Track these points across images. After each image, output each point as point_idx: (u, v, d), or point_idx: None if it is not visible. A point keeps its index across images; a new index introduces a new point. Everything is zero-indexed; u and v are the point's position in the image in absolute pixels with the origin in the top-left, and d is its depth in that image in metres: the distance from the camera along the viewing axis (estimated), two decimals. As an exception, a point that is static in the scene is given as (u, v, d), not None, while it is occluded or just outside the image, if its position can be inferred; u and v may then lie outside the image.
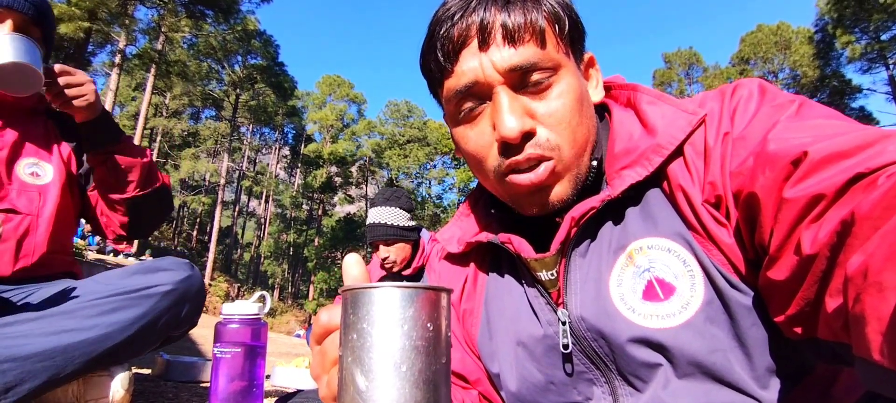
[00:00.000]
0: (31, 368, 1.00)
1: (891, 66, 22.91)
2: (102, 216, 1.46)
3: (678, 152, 0.59)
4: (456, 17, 0.61)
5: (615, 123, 0.66)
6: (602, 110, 0.72)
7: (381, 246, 2.30)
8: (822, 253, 0.41)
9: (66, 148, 1.42)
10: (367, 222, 2.34)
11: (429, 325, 0.41)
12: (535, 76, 0.60)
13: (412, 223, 2.31)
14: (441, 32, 0.62)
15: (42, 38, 1.32)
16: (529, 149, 0.60)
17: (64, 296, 1.14)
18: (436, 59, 0.64)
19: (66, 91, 1.25)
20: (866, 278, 0.32)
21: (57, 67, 1.26)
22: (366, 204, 38.80)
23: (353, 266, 0.48)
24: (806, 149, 0.45)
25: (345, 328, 0.42)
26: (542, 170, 0.60)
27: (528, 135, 0.60)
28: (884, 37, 21.92)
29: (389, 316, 0.40)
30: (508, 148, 0.60)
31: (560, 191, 0.62)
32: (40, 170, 1.35)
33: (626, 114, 0.66)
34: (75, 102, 1.27)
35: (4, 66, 1.12)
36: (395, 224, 2.26)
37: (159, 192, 1.48)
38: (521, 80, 0.60)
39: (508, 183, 0.62)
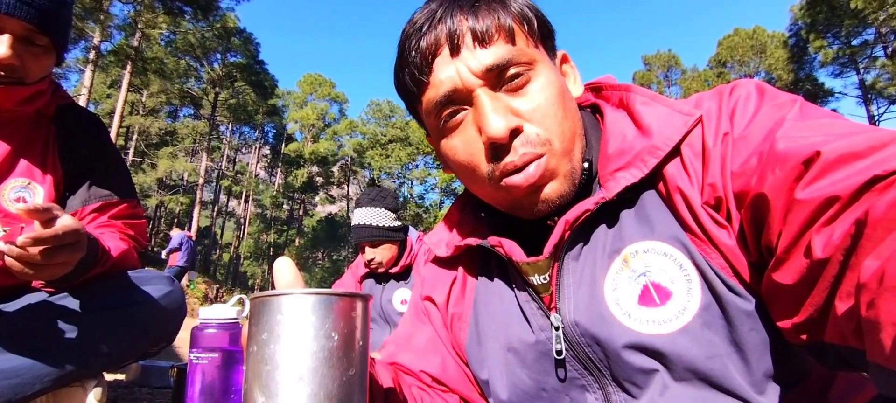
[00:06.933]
0: None
1: (861, 71, 23.57)
2: None
3: (675, 153, 0.58)
4: (423, 29, 0.61)
5: (608, 124, 0.65)
6: (593, 112, 0.71)
7: (367, 248, 2.28)
8: (834, 258, 0.39)
9: (59, 170, 1.22)
10: (353, 223, 2.32)
11: (333, 334, 0.37)
12: (512, 71, 0.59)
13: (398, 223, 2.30)
14: (411, 47, 0.62)
15: (51, 47, 1.12)
16: (521, 149, 0.58)
17: (35, 311, 1.07)
18: (411, 74, 0.63)
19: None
20: (882, 283, 0.32)
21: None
22: (347, 204, 38.57)
23: (283, 271, 0.45)
24: (818, 148, 0.43)
25: (248, 341, 0.39)
26: (534, 169, 0.59)
27: (516, 133, 0.59)
28: (855, 42, 22.56)
29: (287, 325, 0.37)
30: (498, 150, 0.59)
31: (556, 188, 0.61)
32: (29, 194, 1.14)
33: (618, 114, 0.65)
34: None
35: None
36: (381, 225, 2.24)
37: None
38: (498, 79, 0.59)
39: (505, 187, 0.61)
